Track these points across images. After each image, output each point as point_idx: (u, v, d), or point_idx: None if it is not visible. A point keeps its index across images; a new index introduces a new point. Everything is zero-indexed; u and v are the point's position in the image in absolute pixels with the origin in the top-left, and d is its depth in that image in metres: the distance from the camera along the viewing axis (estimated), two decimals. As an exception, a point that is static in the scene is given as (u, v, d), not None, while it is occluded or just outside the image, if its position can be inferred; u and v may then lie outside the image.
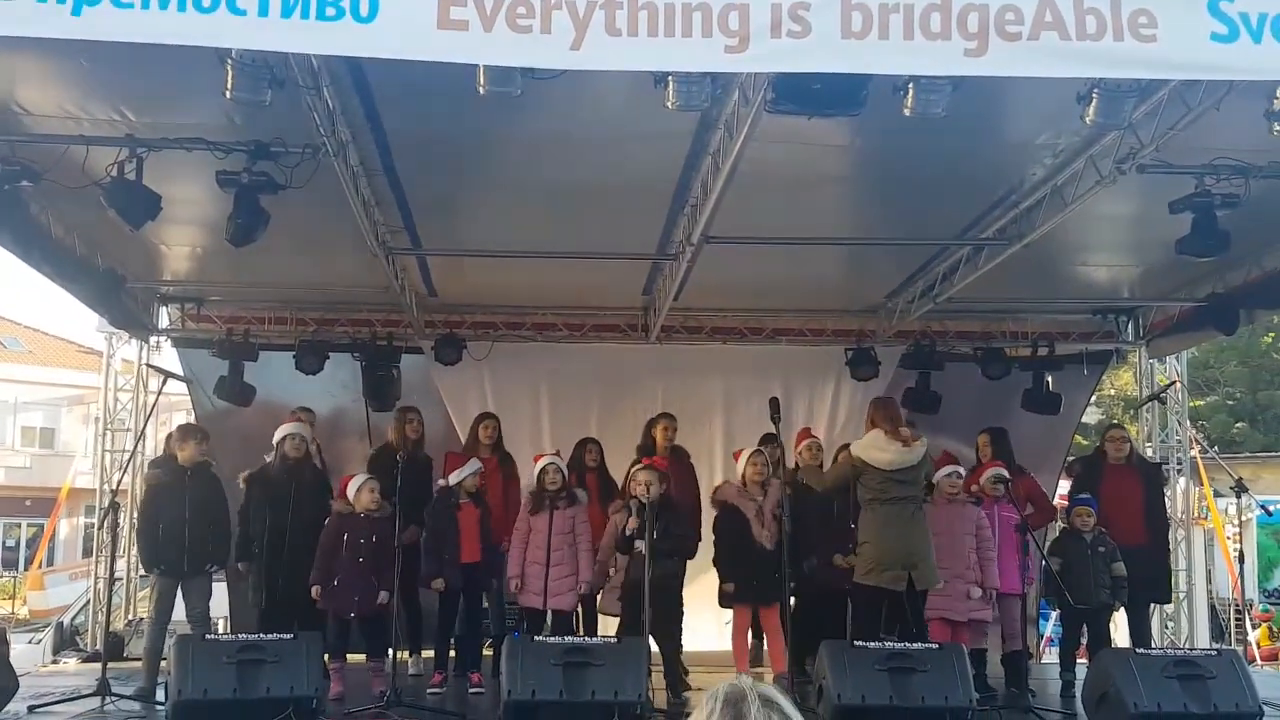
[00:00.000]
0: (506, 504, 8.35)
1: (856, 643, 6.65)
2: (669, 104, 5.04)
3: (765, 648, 8.10)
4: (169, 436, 8.42)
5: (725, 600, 7.83)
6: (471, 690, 7.89)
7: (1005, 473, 8.20)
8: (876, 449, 7.28)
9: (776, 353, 10.80)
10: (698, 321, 10.63)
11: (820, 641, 6.90)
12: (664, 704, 7.24)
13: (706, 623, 8.84)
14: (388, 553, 7.37)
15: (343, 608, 7.52)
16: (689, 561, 8.31)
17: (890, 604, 7.23)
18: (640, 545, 7.30)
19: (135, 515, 9.53)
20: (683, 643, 7.81)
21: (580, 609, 8.06)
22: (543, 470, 7.87)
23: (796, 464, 8.53)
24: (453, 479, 7.95)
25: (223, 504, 7.97)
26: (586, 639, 6.89)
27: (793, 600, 7.71)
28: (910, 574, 7.14)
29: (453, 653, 8.14)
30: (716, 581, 8.00)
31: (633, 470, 7.94)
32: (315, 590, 7.50)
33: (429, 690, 7.87)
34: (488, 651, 8.46)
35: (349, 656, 7.74)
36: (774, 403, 7.68)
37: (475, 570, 7.86)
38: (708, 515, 8.45)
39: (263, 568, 7.84)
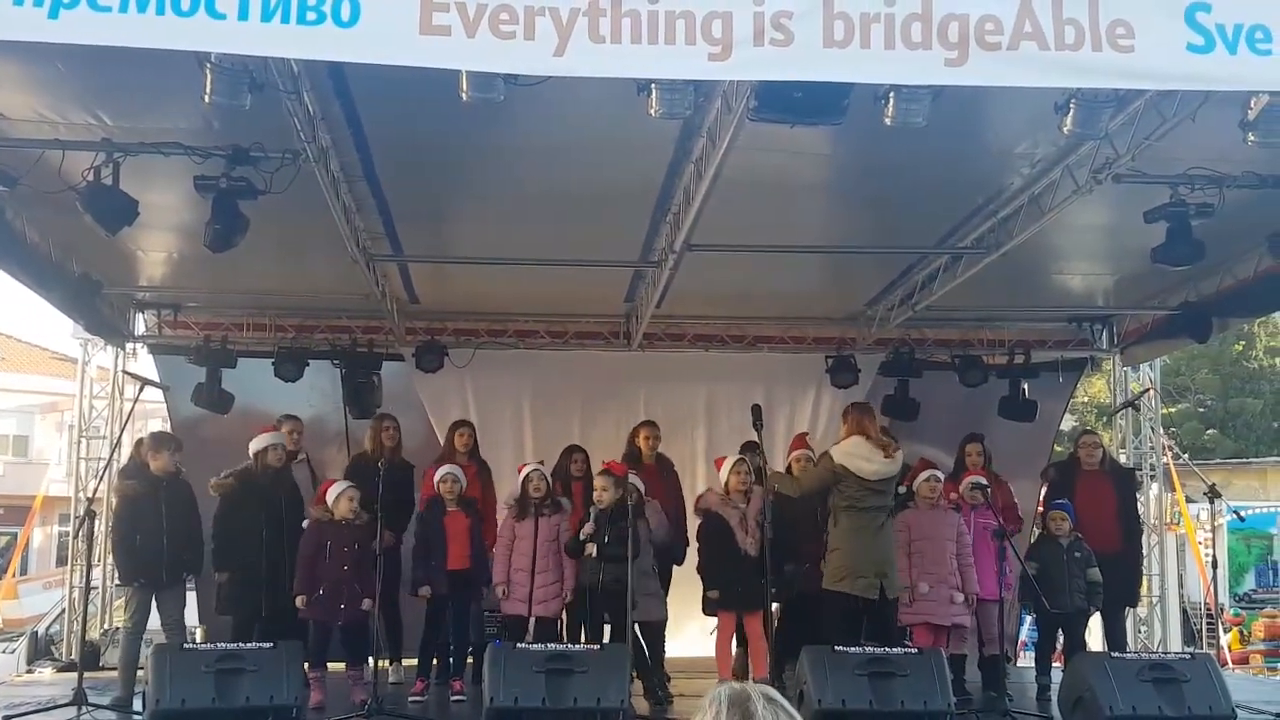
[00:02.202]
0: (484, 511, 8.34)
1: (837, 648, 6.67)
2: (652, 111, 5.04)
3: (747, 654, 8.10)
4: (138, 444, 8.35)
5: (709, 607, 7.86)
6: (453, 698, 7.86)
7: (984, 480, 8.27)
8: (862, 458, 7.27)
9: (758, 360, 10.82)
10: (680, 329, 10.64)
11: (800, 648, 6.92)
12: (646, 710, 7.26)
13: (690, 629, 8.85)
14: (370, 560, 7.37)
15: (328, 616, 7.49)
16: (675, 568, 8.37)
17: (861, 612, 7.27)
18: (589, 549, 7.46)
19: (109, 526, 9.44)
20: (664, 649, 7.87)
21: (565, 616, 8.05)
22: (526, 478, 7.89)
23: (789, 469, 8.54)
24: (435, 486, 7.96)
25: (195, 512, 7.91)
26: (569, 646, 6.88)
27: (775, 606, 7.73)
28: (882, 582, 7.20)
29: (434, 660, 8.11)
30: (701, 588, 7.99)
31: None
32: (300, 599, 7.46)
33: (410, 698, 7.84)
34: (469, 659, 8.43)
35: (329, 665, 7.70)
36: (756, 410, 7.69)
37: (463, 577, 7.83)
38: (693, 522, 8.45)
39: (240, 578, 7.79)
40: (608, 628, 7.55)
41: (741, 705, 2.00)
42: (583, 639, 7.51)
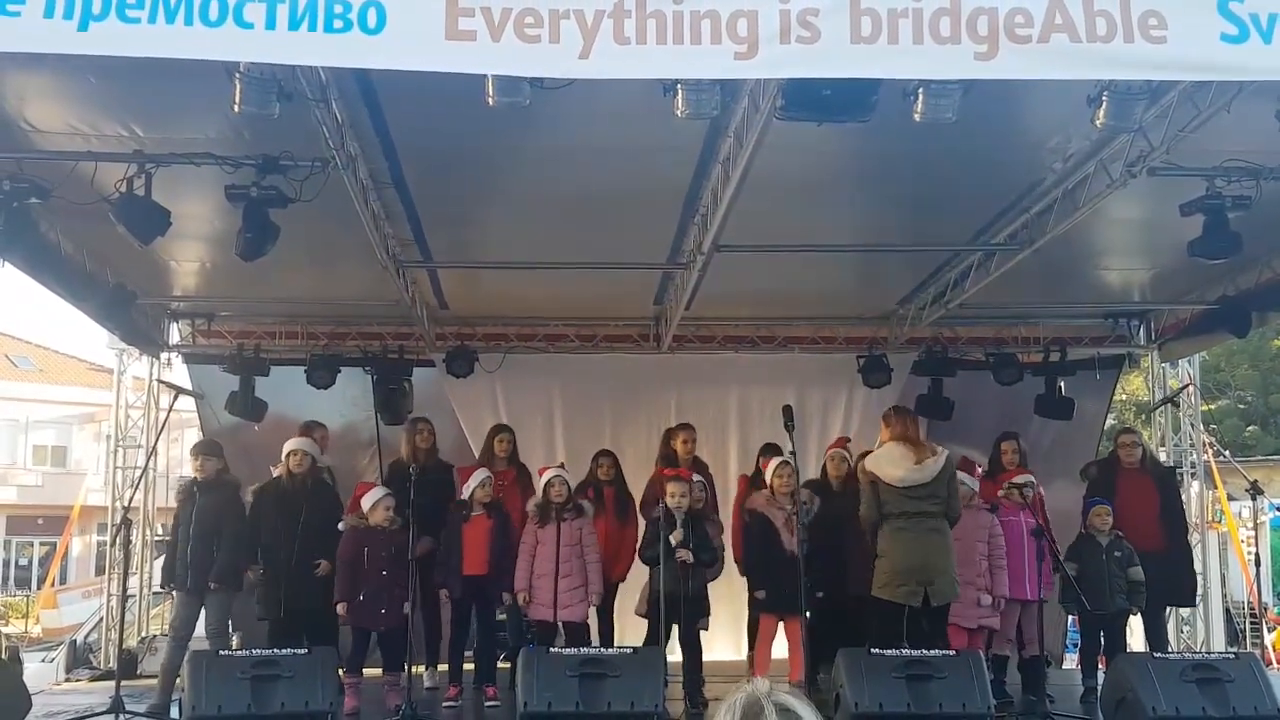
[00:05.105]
0: (523, 516, 8.31)
1: (873, 650, 6.61)
2: (678, 112, 5.04)
3: (786, 656, 8.05)
4: None
5: (756, 608, 7.82)
6: (487, 703, 7.84)
7: (1031, 479, 8.16)
8: (888, 464, 7.22)
9: (789, 361, 10.77)
10: (709, 331, 10.62)
11: (835, 651, 6.86)
12: (680, 714, 7.22)
13: (724, 633, 8.80)
14: (407, 565, 7.37)
15: (369, 622, 7.50)
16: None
17: (909, 618, 7.18)
18: (684, 555, 7.36)
19: (161, 532, 9.54)
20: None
21: (596, 620, 8.02)
22: (548, 483, 7.86)
23: (824, 471, 8.48)
24: (465, 491, 7.95)
25: (241, 519, 7.91)
26: (603, 650, 6.86)
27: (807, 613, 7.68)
28: (926, 589, 7.08)
29: (468, 665, 8.11)
30: (734, 591, 7.95)
31: (665, 482, 7.89)
32: (341, 607, 7.48)
33: (444, 703, 7.84)
34: (504, 664, 8.43)
35: (364, 670, 7.71)
36: (787, 410, 7.65)
37: (481, 582, 7.80)
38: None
39: (271, 581, 7.81)
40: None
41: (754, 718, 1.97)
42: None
